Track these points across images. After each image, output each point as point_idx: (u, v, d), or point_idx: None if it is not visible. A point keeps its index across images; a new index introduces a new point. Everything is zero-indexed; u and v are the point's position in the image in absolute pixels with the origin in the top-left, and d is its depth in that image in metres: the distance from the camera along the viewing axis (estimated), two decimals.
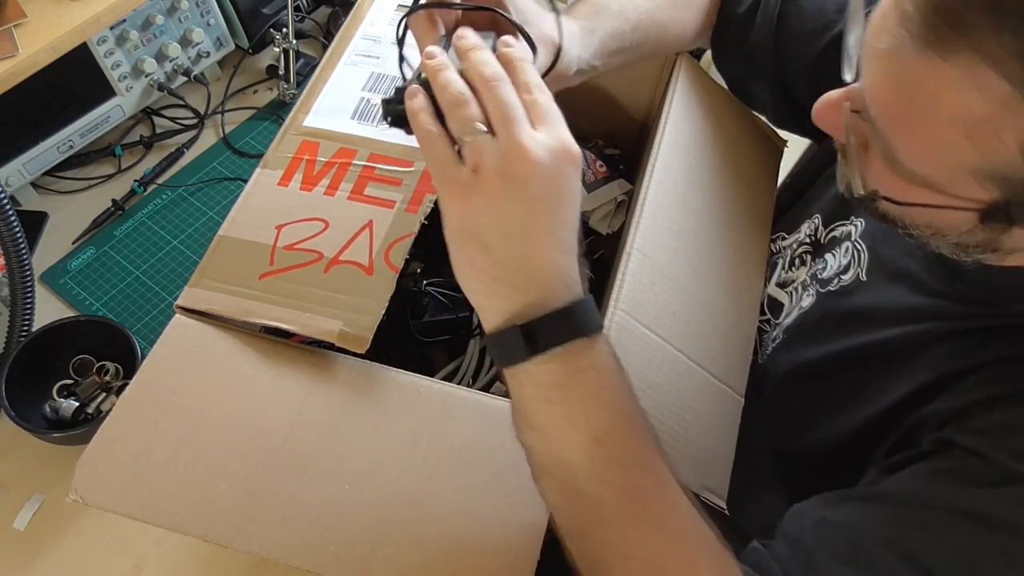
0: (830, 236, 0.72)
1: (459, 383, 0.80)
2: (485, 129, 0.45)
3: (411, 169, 0.65)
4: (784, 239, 0.80)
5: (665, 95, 0.80)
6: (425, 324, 0.79)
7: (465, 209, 0.46)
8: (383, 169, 0.65)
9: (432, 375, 0.81)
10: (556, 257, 0.46)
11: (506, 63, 0.47)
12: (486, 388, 0.81)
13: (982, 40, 0.40)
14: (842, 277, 0.68)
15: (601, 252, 0.91)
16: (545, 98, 0.47)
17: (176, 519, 0.56)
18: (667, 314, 0.65)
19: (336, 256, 0.59)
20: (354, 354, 0.57)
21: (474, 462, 0.60)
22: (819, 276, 0.71)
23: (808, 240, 0.75)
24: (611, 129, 0.94)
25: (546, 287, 0.46)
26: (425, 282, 0.81)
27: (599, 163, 0.86)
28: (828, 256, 0.71)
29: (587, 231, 0.88)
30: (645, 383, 0.62)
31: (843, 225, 0.71)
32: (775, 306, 0.75)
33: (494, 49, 0.49)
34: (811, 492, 0.59)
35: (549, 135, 0.45)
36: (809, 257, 0.74)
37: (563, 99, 0.93)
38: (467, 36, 0.48)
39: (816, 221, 0.74)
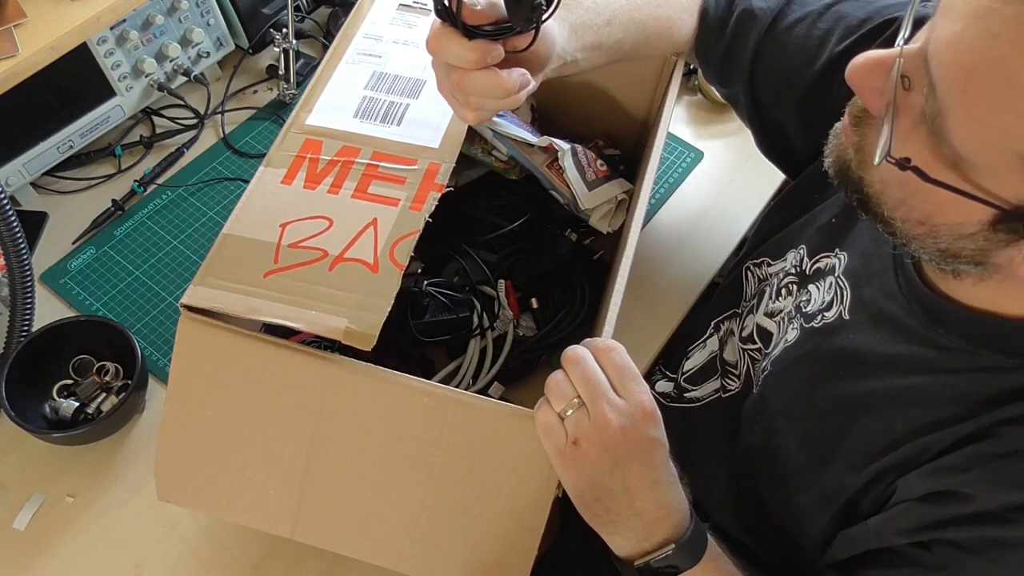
0: (815, 268, 0.70)
1: (459, 383, 0.81)
2: (578, 404, 0.55)
3: (414, 167, 0.65)
4: (770, 265, 0.78)
5: (665, 95, 0.80)
6: (425, 324, 0.79)
7: (576, 474, 0.56)
8: (386, 167, 0.65)
9: (432, 375, 0.81)
10: (656, 496, 0.57)
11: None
12: (485, 388, 0.81)
13: None
14: (825, 314, 0.66)
15: (602, 252, 0.91)
16: (622, 361, 0.56)
17: (251, 515, 0.64)
18: None
19: (341, 254, 0.59)
20: (358, 354, 0.57)
21: (472, 464, 0.60)
22: (803, 309, 0.69)
23: (794, 270, 0.73)
24: (611, 129, 0.95)
25: (655, 523, 0.57)
26: (425, 282, 0.81)
27: (599, 163, 0.86)
28: (812, 288, 0.69)
29: (587, 230, 0.88)
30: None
31: (827, 257, 0.69)
32: (765, 335, 0.74)
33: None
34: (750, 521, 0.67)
35: (629, 399, 0.55)
36: (795, 287, 0.72)
37: (565, 100, 0.94)
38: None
39: (802, 252, 0.73)
